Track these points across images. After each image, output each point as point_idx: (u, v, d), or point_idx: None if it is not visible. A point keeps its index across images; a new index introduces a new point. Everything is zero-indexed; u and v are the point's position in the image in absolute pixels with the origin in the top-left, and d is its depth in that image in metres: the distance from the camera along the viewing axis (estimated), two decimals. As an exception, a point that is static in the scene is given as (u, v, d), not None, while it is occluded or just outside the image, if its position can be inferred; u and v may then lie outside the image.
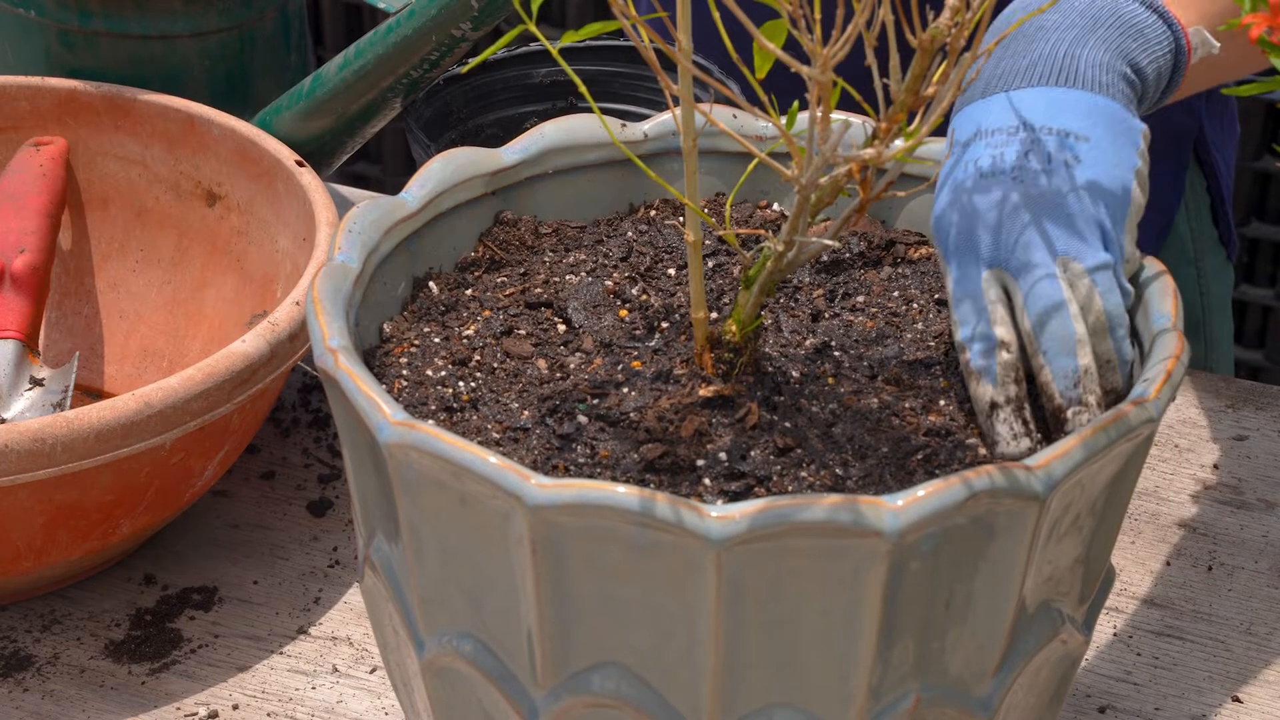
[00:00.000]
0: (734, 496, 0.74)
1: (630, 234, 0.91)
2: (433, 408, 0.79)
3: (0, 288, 1.13)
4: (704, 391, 0.78)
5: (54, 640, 1.02)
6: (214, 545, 1.09)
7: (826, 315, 0.86)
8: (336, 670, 1.00)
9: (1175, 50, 0.87)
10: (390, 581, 0.79)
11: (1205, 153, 1.33)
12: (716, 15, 0.70)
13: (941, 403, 0.80)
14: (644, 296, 0.86)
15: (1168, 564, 1.08)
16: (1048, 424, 0.80)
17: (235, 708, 0.98)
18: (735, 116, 0.93)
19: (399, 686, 0.85)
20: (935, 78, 0.72)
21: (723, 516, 0.67)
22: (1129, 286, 0.81)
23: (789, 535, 0.68)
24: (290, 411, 1.19)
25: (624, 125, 0.92)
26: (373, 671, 1.00)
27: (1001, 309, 0.80)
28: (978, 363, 0.79)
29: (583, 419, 0.77)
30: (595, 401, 0.78)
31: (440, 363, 0.82)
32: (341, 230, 0.83)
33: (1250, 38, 0.69)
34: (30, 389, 1.11)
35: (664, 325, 0.84)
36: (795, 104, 0.76)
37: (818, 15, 0.69)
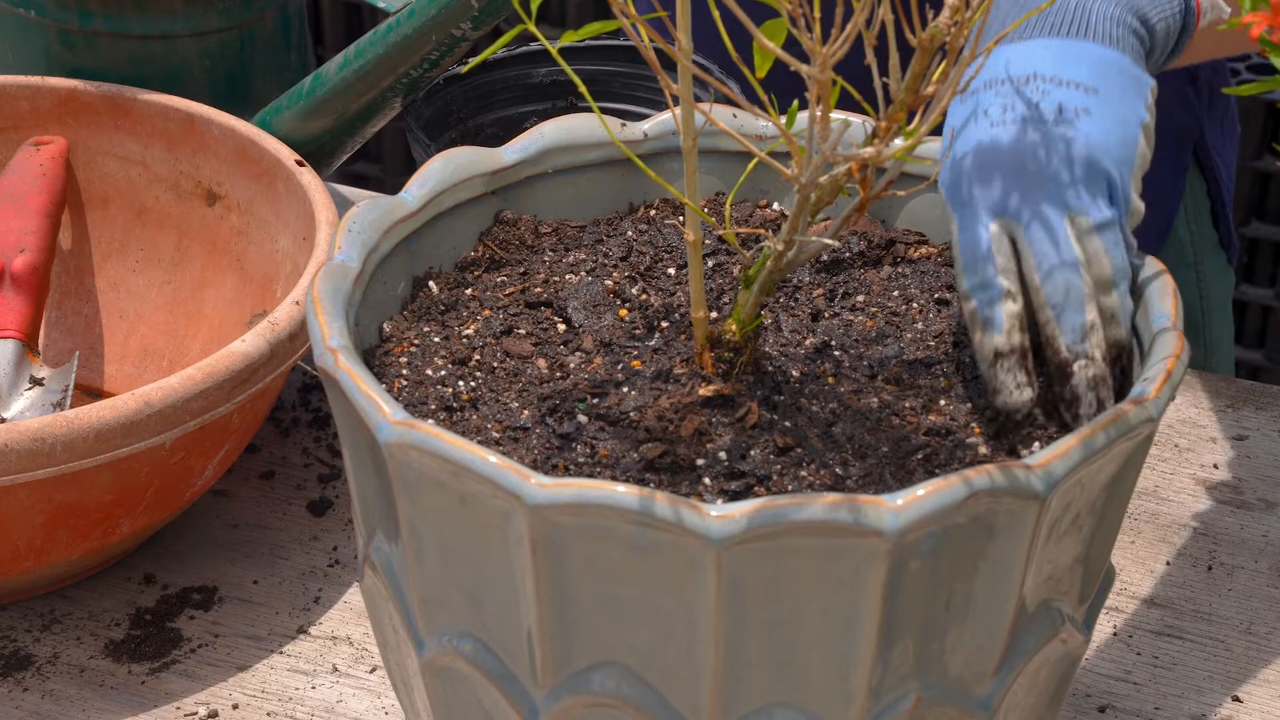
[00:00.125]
0: (734, 496, 0.74)
1: (630, 233, 0.91)
2: (433, 407, 0.79)
3: (0, 288, 1.13)
4: (704, 391, 0.78)
5: (54, 640, 1.02)
6: (214, 545, 1.09)
7: (826, 315, 0.86)
8: (336, 670, 1.00)
9: (1185, 10, 0.87)
10: (390, 581, 0.79)
11: (1205, 156, 1.33)
12: (716, 15, 0.70)
13: (941, 402, 0.80)
14: (644, 296, 0.86)
15: (1168, 564, 1.08)
16: (1050, 376, 0.80)
17: (235, 707, 0.98)
18: (735, 116, 0.93)
19: (399, 686, 0.85)
20: (935, 77, 0.72)
21: (722, 516, 0.67)
22: (1133, 240, 0.81)
23: (789, 535, 0.68)
24: (290, 411, 1.19)
25: (624, 125, 0.92)
26: (373, 671, 1.00)
27: (1006, 259, 0.80)
28: (984, 312, 0.79)
29: (583, 418, 0.77)
30: (595, 401, 0.78)
31: (440, 362, 0.82)
32: (341, 230, 0.83)
33: (1250, 37, 0.69)
34: (30, 389, 1.11)
35: (664, 325, 0.84)
36: (795, 103, 0.76)
37: (817, 14, 0.69)
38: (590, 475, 0.75)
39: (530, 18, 0.75)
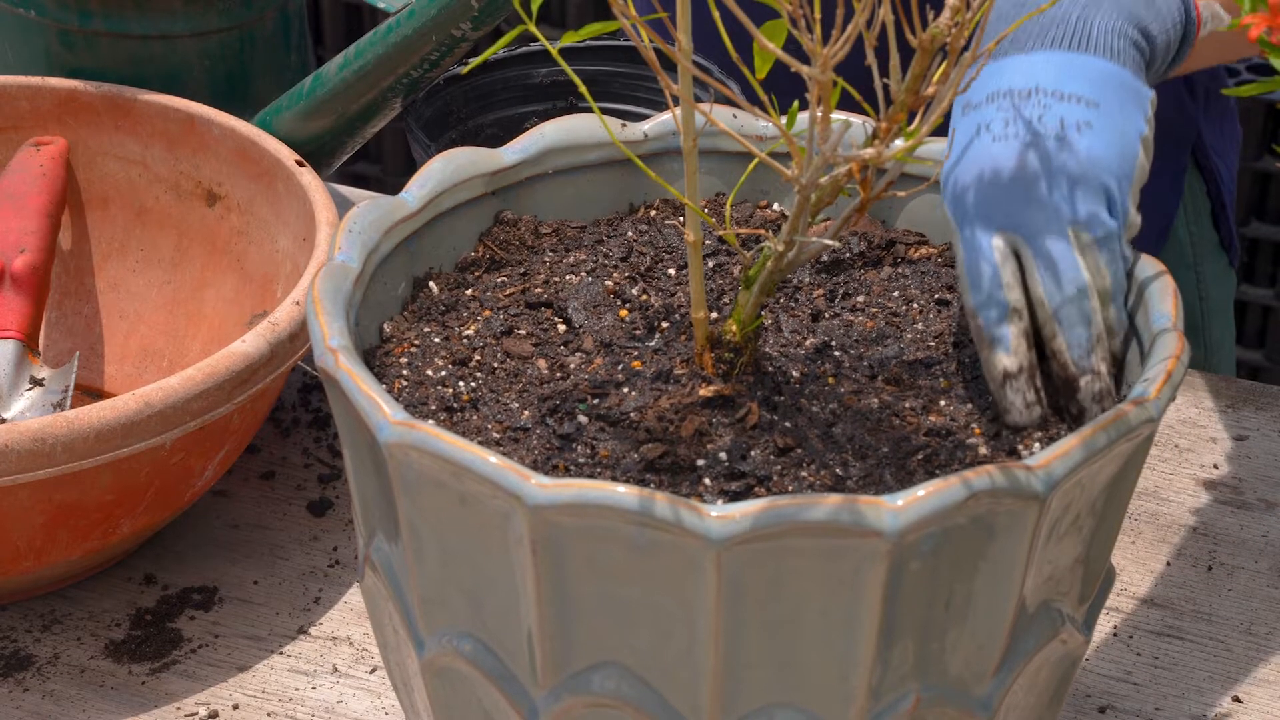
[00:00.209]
0: (734, 496, 0.74)
1: (630, 234, 0.91)
2: (433, 408, 0.79)
3: (0, 288, 1.13)
4: (704, 391, 0.78)
5: (54, 640, 1.02)
6: (214, 545, 1.09)
7: (826, 315, 0.86)
8: (336, 670, 1.00)
9: (1185, 21, 0.87)
10: (390, 581, 0.79)
11: (1204, 157, 1.33)
12: (716, 15, 0.70)
13: (941, 403, 0.80)
14: (644, 296, 0.86)
15: (1168, 564, 1.08)
16: (1056, 392, 0.80)
17: (235, 708, 0.98)
18: (735, 116, 0.93)
19: (399, 686, 0.85)
20: (935, 78, 0.72)
21: (723, 516, 0.67)
22: (1129, 254, 0.82)
23: (789, 535, 0.68)
24: (290, 411, 1.19)
25: (624, 125, 0.92)
26: (373, 671, 1.00)
27: (1012, 275, 0.80)
28: (991, 330, 0.79)
29: (583, 419, 0.77)
30: (595, 401, 0.78)
31: (440, 363, 0.82)
32: (341, 230, 0.83)
33: (1250, 38, 0.69)
34: (30, 389, 1.11)
35: (664, 325, 0.84)
36: (795, 104, 0.76)
37: (818, 15, 0.69)
38: (590, 476, 0.75)
39: (530, 18, 0.75)
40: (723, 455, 0.75)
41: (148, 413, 0.94)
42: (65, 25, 1.22)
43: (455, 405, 0.79)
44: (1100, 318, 0.80)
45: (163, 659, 1.01)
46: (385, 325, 0.85)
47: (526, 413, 0.78)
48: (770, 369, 0.80)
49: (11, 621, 1.03)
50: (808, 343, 0.83)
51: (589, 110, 1.22)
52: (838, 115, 0.82)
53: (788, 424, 0.77)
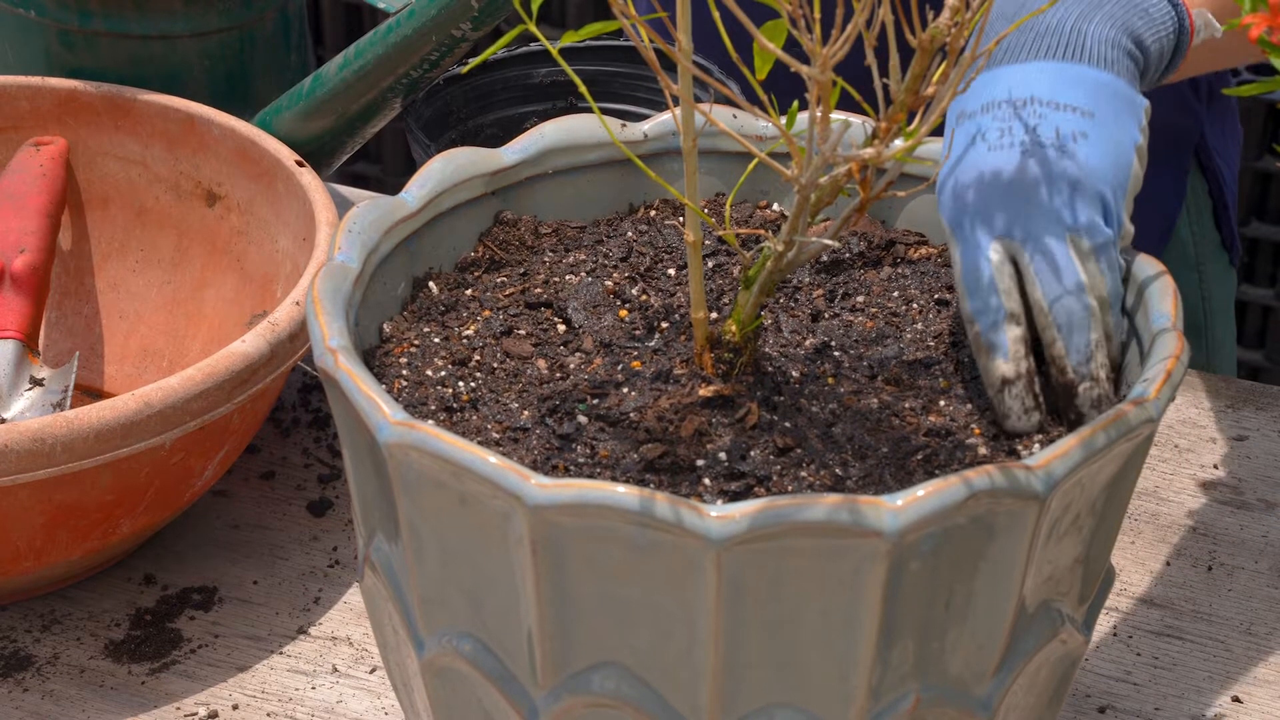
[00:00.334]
0: (734, 496, 0.74)
1: (630, 234, 0.91)
2: (433, 408, 0.79)
3: (0, 288, 1.13)
4: (704, 391, 0.78)
5: (54, 640, 1.02)
6: (214, 545, 1.09)
7: (826, 315, 0.86)
8: (336, 670, 1.00)
9: (1178, 30, 0.87)
10: (390, 581, 0.79)
11: (1207, 158, 1.33)
12: (716, 15, 0.70)
13: (941, 403, 0.80)
14: (644, 296, 0.86)
15: (1168, 564, 1.08)
16: (1054, 397, 0.80)
17: (235, 708, 0.98)
18: (735, 116, 0.93)
19: (399, 686, 0.85)
20: (935, 78, 0.72)
21: (722, 516, 0.67)
22: (1123, 261, 0.82)
23: (789, 535, 0.68)
24: (290, 411, 1.19)
25: (624, 125, 0.92)
26: (373, 671, 1.00)
27: (1009, 281, 0.80)
28: (989, 337, 0.79)
29: (583, 419, 0.77)
30: (595, 401, 0.78)
31: (440, 363, 0.82)
32: (341, 230, 0.83)
33: (1250, 38, 0.69)
34: (30, 389, 1.11)
35: (664, 325, 0.84)
36: (795, 104, 0.76)
37: (817, 15, 0.69)
38: (590, 476, 0.75)
39: (530, 18, 0.75)
40: (722, 455, 0.75)
41: (148, 413, 0.94)
42: (65, 25, 1.22)
43: (455, 405, 0.79)
44: (1099, 324, 0.80)
45: (162, 659, 1.01)
46: (385, 325, 0.85)
47: (526, 413, 0.78)
48: (770, 369, 0.80)
49: (11, 621, 1.03)
50: (807, 343, 0.83)
51: (589, 110, 1.22)
52: (837, 115, 0.83)
53: (787, 424, 0.77)
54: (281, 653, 1.01)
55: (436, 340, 0.84)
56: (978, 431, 0.79)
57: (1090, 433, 0.72)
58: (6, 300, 1.13)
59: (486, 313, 0.85)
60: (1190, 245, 1.34)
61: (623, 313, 0.85)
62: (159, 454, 0.97)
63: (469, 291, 0.87)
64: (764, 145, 0.92)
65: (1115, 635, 1.03)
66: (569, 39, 0.75)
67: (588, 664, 0.73)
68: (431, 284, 0.87)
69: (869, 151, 0.71)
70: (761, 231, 0.79)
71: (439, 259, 0.88)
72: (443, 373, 0.81)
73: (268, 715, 0.97)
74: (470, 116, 1.29)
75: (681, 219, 0.92)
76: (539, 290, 0.87)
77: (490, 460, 0.70)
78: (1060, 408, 0.80)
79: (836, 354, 0.82)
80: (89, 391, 1.19)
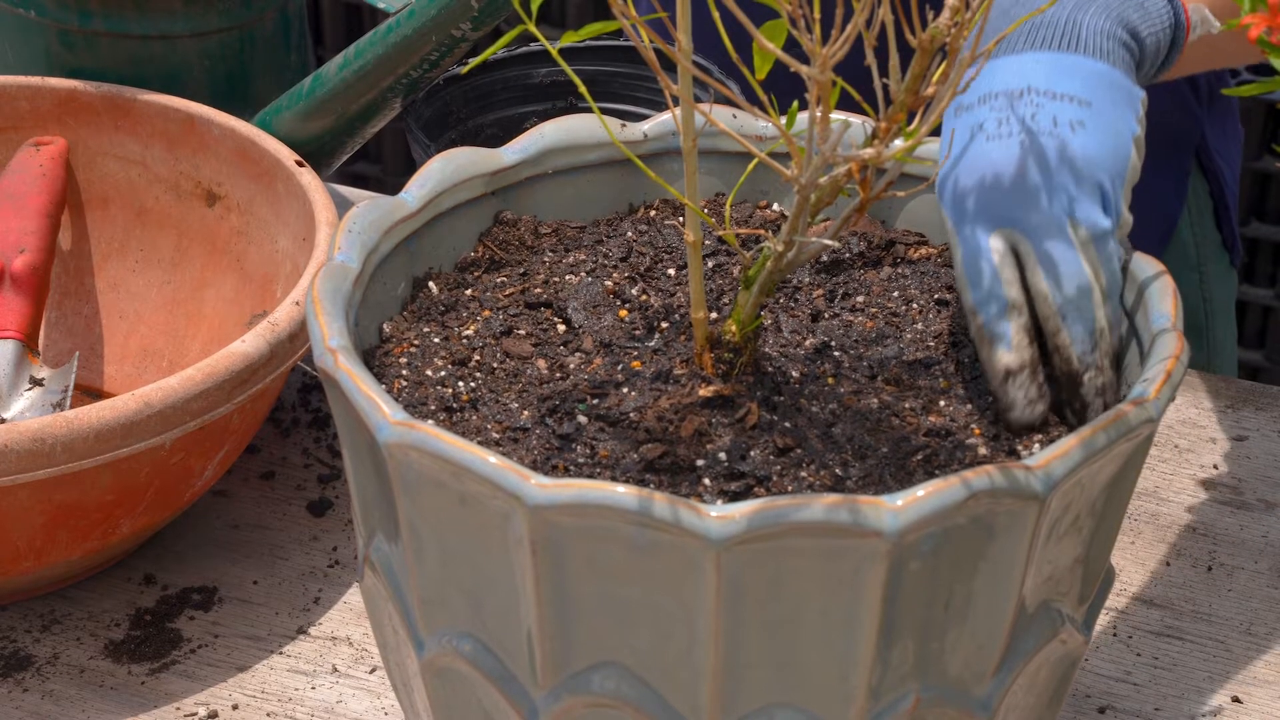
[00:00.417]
0: (734, 496, 0.74)
1: (630, 234, 0.91)
2: (432, 408, 0.79)
3: (0, 288, 1.13)
4: (704, 391, 0.78)
5: (54, 640, 1.02)
6: (214, 545, 1.09)
7: (826, 315, 0.86)
8: (336, 670, 1.00)
9: (1174, 25, 0.88)
10: (390, 581, 0.79)
11: (1208, 159, 1.33)
12: (716, 15, 0.70)
13: (941, 403, 0.80)
14: (644, 296, 0.86)
15: (1168, 564, 1.08)
16: (1057, 388, 0.80)
17: (235, 708, 0.98)
18: (735, 116, 0.93)
19: (399, 686, 0.85)
20: (935, 78, 0.72)
21: (722, 516, 0.67)
22: (1123, 251, 0.82)
23: (788, 535, 0.68)
24: (290, 411, 1.19)
25: (624, 125, 0.92)
26: (372, 671, 1.00)
27: (1011, 271, 0.80)
28: (991, 327, 0.79)
29: (582, 419, 0.77)
30: (595, 401, 0.78)
31: (440, 363, 0.82)
32: (341, 230, 0.83)
33: (1249, 38, 0.69)
34: (30, 389, 1.11)
35: (664, 325, 0.84)
36: (795, 104, 0.76)
37: (817, 15, 0.69)
38: (590, 476, 0.75)
39: (530, 18, 0.75)
40: (722, 455, 0.75)
41: (147, 413, 0.94)
42: (65, 25, 1.22)
43: (455, 405, 0.79)
44: (1103, 312, 0.80)
45: (162, 659, 1.01)
46: (385, 325, 0.85)
47: (526, 413, 0.78)
48: (770, 369, 0.80)
49: (11, 621, 1.03)
50: (807, 343, 0.83)
51: (589, 110, 1.22)
52: (837, 115, 0.83)
53: (787, 424, 0.77)
54: (281, 653, 1.01)
55: (436, 340, 0.84)
56: (978, 431, 0.79)
57: (1090, 433, 0.72)
58: (6, 300, 1.13)
59: (486, 313, 0.85)
60: (1191, 246, 1.34)
61: (623, 313, 0.85)
62: (159, 454, 0.97)
63: (469, 291, 0.87)
64: (764, 145, 0.92)
65: (1115, 635, 1.03)
66: (569, 39, 0.75)
67: (588, 664, 0.73)
68: (431, 284, 0.87)
69: (869, 151, 0.71)
70: (761, 231, 0.79)
71: (439, 259, 0.88)
72: (442, 373, 0.81)
73: (268, 715, 0.97)
74: (470, 116, 1.29)
75: (681, 219, 0.92)
76: (539, 290, 0.87)
77: (490, 460, 0.70)
78: (1064, 398, 0.80)
79: (836, 354, 0.82)
80: (89, 391, 1.19)
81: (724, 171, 0.93)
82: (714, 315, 0.84)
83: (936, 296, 0.87)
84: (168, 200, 1.21)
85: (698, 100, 1.14)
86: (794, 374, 0.80)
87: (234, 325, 1.16)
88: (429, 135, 1.25)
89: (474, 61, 0.81)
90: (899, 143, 0.73)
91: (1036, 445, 0.78)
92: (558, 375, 0.81)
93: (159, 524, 1.04)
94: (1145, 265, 0.83)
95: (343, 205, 1.36)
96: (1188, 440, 1.18)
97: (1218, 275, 1.37)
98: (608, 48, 1.30)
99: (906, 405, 0.79)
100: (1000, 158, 0.80)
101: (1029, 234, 0.80)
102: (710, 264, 0.89)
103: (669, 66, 1.19)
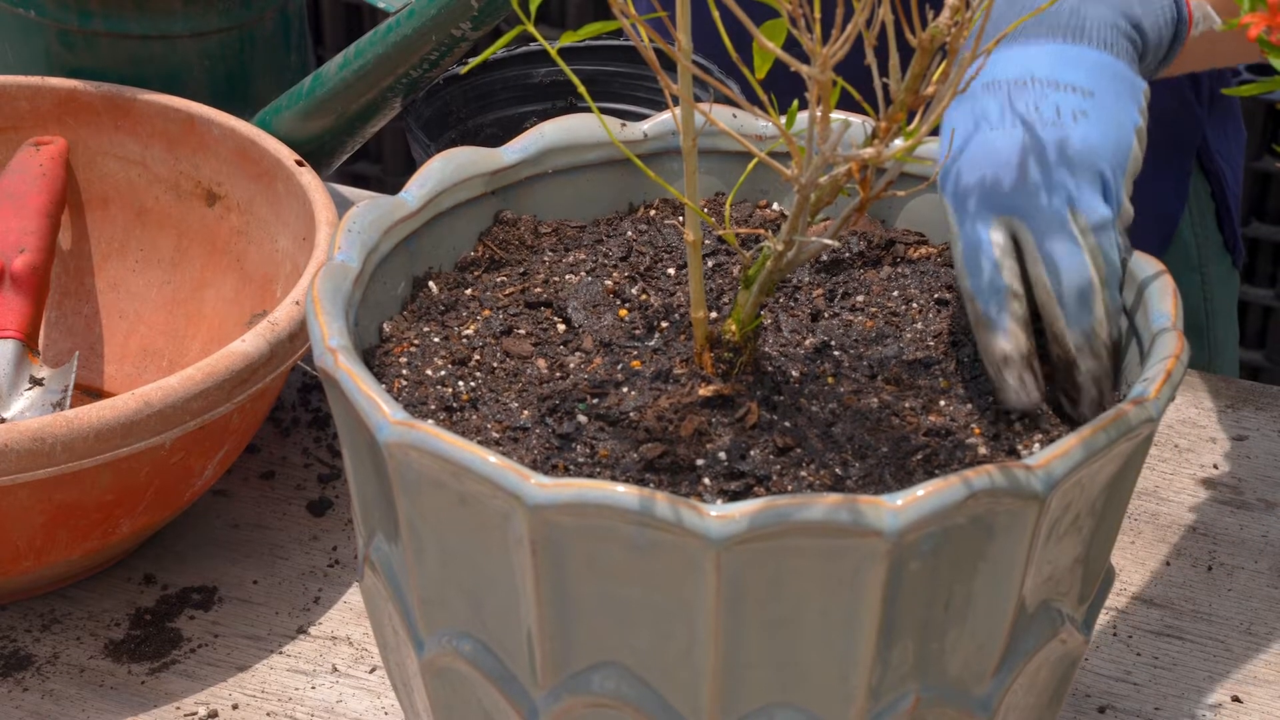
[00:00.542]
0: (734, 496, 0.74)
1: (630, 234, 0.91)
2: (432, 407, 0.79)
3: (0, 288, 1.13)
4: (704, 391, 0.78)
5: (54, 640, 1.02)
6: (214, 545, 1.09)
7: (826, 315, 0.86)
8: (336, 670, 1.00)
9: (1177, 19, 0.88)
10: (390, 581, 0.79)
11: (1209, 160, 1.33)
12: (716, 15, 0.70)
13: (941, 403, 0.80)
14: (644, 296, 0.86)
15: (1168, 564, 1.08)
16: (1054, 376, 0.80)
17: (235, 707, 0.98)
18: (735, 116, 0.93)
19: (399, 686, 0.85)
20: (935, 77, 0.72)
21: (722, 516, 0.67)
22: (1123, 242, 0.82)
23: (788, 535, 0.68)
24: (290, 411, 1.19)
25: (624, 125, 0.92)
26: (372, 671, 1.00)
27: (1011, 259, 0.80)
28: (989, 314, 0.80)
29: (582, 418, 0.77)
30: (595, 401, 0.78)
31: (440, 362, 0.82)
32: (341, 230, 0.83)
33: (1249, 37, 0.69)
34: (30, 389, 1.11)
35: (664, 325, 0.84)
36: (795, 103, 0.76)
37: (817, 15, 0.69)
38: (590, 475, 0.75)
39: (530, 18, 0.75)
40: (722, 455, 0.75)
41: (147, 412, 0.94)
42: (65, 25, 1.22)
43: (455, 405, 0.79)
44: (1100, 302, 0.80)
45: (162, 659, 1.01)
46: (385, 325, 0.85)
47: (526, 412, 0.78)
48: (770, 369, 0.80)
49: (11, 621, 1.03)
50: (807, 342, 0.83)
51: (588, 110, 1.22)
52: (837, 115, 0.82)
53: (787, 424, 0.77)
54: (281, 652, 1.01)
55: (436, 340, 0.84)
56: (978, 431, 0.79)
57: (1090, 432, 0.72)
58: (6, 300, 1.13)
59: (486, 312, 0.85)
60: (1193, 247, 1.34)
61: (623, 312, 0.85)
62: (159, 454, 0.97)
63: (469, 291, 0.87)
64: (764, 145, 0.92)
65: (1115, 635, 1.03)
66: (568, 39, 0.75)
67: (588, 664, 0.73)
68: (431, 284, 0.87)
69: (869, 151, 0.71)
70: (761, 231, 0.79)
71: (439, 259, 0.88)
72: (442, 372, 0.81)
73: (268, 715, 0.97)
74: (470, 116, 1.29)
75: (681, 218, 0.92)
76: (539, 290, 0.87)
77: (490, 460, 0.70)
78: (1060, 385, 0.80)
79: (836, 354, 0.82)
80: (89, 391, 1.19)
81: (724, 171, 0.93)
82: (714, 315, 0.84)
83: (936, 296, 0.87)
84: (168, 200, 1.21)
85: (698, 100, 1.14)
86: (794, 373, 0.80)
87: (234, 325, 1.16)
88: (429, 135, 1.25)
89: (474, 61, 0.81)
90: (899, 142, 0.73)
91: (1037, 445, 0.78)
92: (558, 375, 0.81)
93: (159, 524, 1.04)
94: (1145, 265, 0.83)
95: (343, 205, 1.36)
96: (1188, 440, 1.18)
97: (1219, 276, 1.37)
98: (608, 48, 1.30)
99: (906, 405, 0.79)
100: (1003, 146, 0.81)
101: (1029, 223, 0.80)
102: (710, 263, 0.89)
103: (669, 66, 1.19)
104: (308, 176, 1.12)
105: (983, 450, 0.77)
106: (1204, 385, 1.22)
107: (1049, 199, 0.80)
